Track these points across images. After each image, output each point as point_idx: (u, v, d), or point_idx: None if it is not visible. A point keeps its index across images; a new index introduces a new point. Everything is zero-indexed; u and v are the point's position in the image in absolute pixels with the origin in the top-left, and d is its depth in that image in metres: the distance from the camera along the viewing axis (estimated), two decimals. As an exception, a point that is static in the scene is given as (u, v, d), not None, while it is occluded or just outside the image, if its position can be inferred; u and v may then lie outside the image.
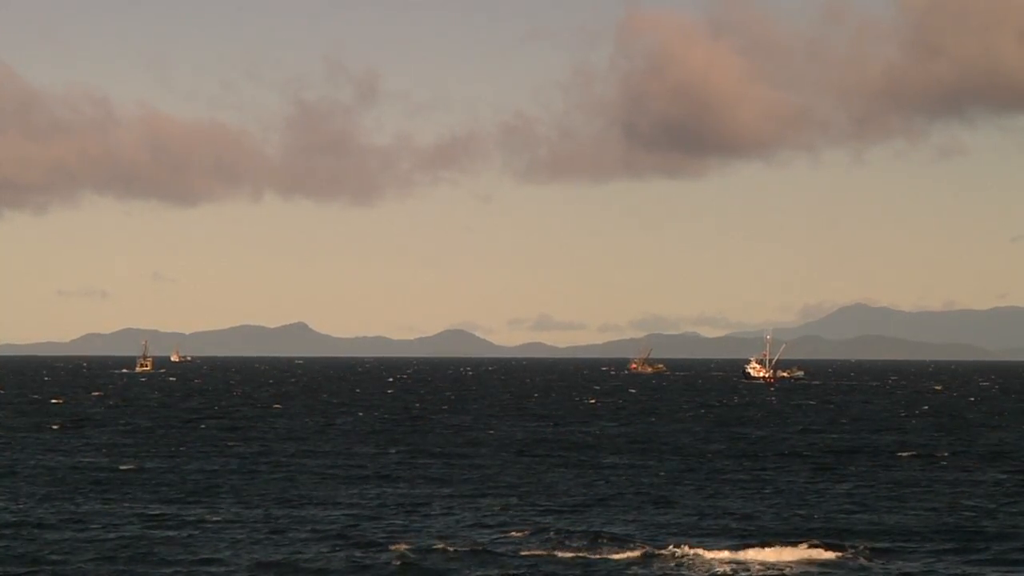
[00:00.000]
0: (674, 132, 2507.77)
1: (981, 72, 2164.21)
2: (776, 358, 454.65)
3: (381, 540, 73.45)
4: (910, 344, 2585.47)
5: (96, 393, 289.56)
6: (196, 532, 76.20)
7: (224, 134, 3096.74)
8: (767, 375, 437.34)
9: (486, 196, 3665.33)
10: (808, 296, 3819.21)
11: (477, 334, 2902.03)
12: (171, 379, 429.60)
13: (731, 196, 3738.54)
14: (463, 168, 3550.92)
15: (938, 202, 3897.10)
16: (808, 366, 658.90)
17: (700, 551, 69.52)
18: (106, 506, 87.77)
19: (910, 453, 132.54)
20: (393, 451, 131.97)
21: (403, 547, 70.45)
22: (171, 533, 75.72)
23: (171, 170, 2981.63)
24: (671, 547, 70.41)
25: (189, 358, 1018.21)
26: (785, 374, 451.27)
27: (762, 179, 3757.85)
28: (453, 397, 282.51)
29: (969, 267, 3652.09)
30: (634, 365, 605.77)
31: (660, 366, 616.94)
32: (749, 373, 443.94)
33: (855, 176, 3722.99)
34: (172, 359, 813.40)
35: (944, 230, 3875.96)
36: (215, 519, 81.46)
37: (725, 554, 69.25)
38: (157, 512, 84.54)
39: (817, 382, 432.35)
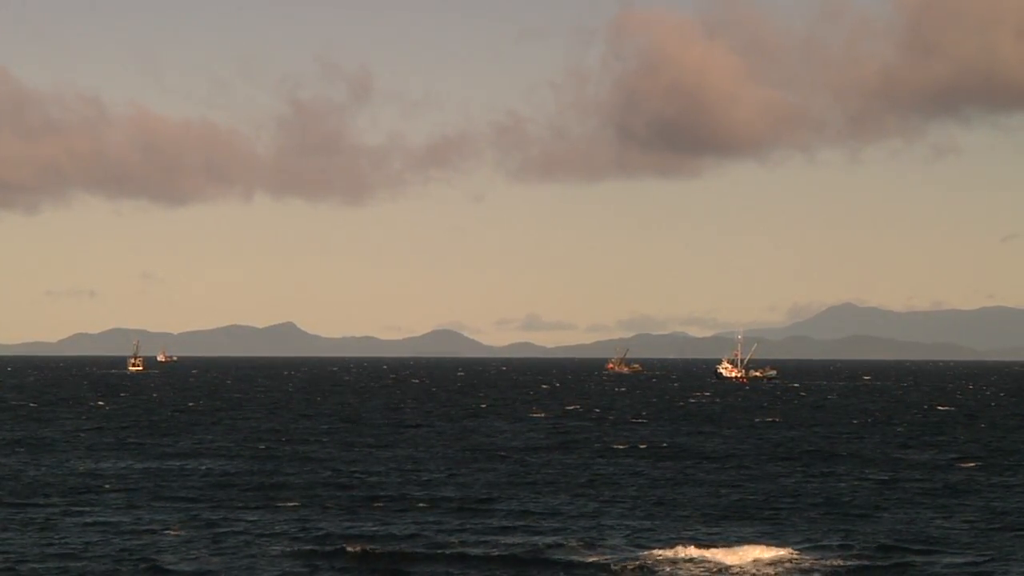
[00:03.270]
0: (668, 132, 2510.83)
1: (977, 71, 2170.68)
2: (748, 358, 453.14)
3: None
4: (899, 344, 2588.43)
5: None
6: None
7: (215, 134, 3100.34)
8: (739, 375, 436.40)
9: (478, 196, 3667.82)
10: (797, 296, 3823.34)
11: (465, 334, 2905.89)
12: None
13: (725, 196, 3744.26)
14: (455, 168, 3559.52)
15: (933, 201, 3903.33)
16: (781, 366, 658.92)
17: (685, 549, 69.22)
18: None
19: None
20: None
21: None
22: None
23: (162, 170, 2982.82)
24: (656, 549, 70.20)
25: (175, 358, 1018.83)
26: (757, 374, 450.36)
27: (757, 179, 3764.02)
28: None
29: (959, 267, 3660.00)
30: (611, 365, 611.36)
31: (636, 366, 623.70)
32: (721, 374, 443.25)
33: (851, 176, 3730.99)
34: (159, 359, 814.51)
35: (937, 230, 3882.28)
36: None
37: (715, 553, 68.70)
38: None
39: (796, 384, 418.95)
